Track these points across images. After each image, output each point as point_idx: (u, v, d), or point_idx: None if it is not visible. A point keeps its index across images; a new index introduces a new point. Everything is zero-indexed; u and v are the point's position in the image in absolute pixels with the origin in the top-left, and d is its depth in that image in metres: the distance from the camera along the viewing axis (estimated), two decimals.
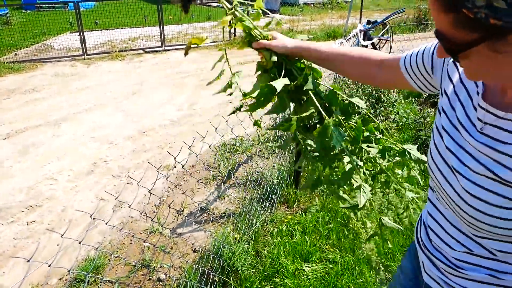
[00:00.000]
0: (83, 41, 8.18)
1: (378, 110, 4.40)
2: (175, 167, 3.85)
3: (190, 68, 7.60)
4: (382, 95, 4.54)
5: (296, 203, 3.14)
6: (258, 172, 3.51)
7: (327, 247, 2.67)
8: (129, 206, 1.75)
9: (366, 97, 4.58)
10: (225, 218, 3.04)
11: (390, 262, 2.51)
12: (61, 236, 1.12)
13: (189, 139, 4.78)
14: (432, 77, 0.99)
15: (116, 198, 1.45)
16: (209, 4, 16.49)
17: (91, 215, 1.30)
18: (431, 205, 1.00)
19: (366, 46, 4.99)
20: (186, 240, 2.85)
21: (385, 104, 4.50)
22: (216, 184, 3.58)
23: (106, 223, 1.49)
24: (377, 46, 5.43)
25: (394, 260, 2.53)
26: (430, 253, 0.99)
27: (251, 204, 2.99)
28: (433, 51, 0.97)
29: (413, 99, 5.20)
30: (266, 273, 2.45)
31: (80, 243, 1.15)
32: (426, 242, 1.01)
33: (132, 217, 3.16)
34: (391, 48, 5.59)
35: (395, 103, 4.67)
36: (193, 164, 3.92)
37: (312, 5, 16.93)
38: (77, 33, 8.37)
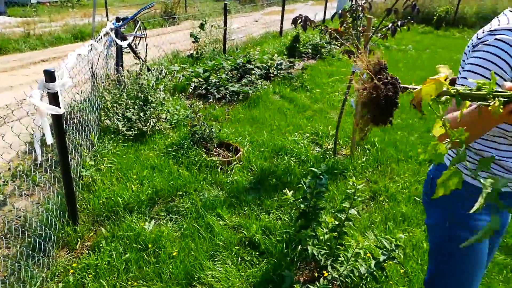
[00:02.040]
0: None
1: (148, 112, 4.15)
2: None
3: None
4: (149, 96, 4.31)
5: (79, 242, 2.60)
6: (19, 217, 2.76)
7: (129, 282, 2.30)
8: None
9: (132, 101, 4.26)
10: None
11: (200, 274, 2.35)
12: None
13: None
14: None
15: None
16: None
17: None
18: None
19: (121, 46, 4.62)
20: None
21: (154, 105, 4.29)
22: None
23: None
24: (133, 44, 5.12)
25: (203, 269, 2.39)
26: None
27: (19, 262, 2.30)
28: None
29: (180, 94, 5.18)
30: None
31: None
32: None
33: None
34: (147, 45, 5.38)
35: (163, 102, 4.53)
36: None
37: (48, 4, 15.04)
38: None
